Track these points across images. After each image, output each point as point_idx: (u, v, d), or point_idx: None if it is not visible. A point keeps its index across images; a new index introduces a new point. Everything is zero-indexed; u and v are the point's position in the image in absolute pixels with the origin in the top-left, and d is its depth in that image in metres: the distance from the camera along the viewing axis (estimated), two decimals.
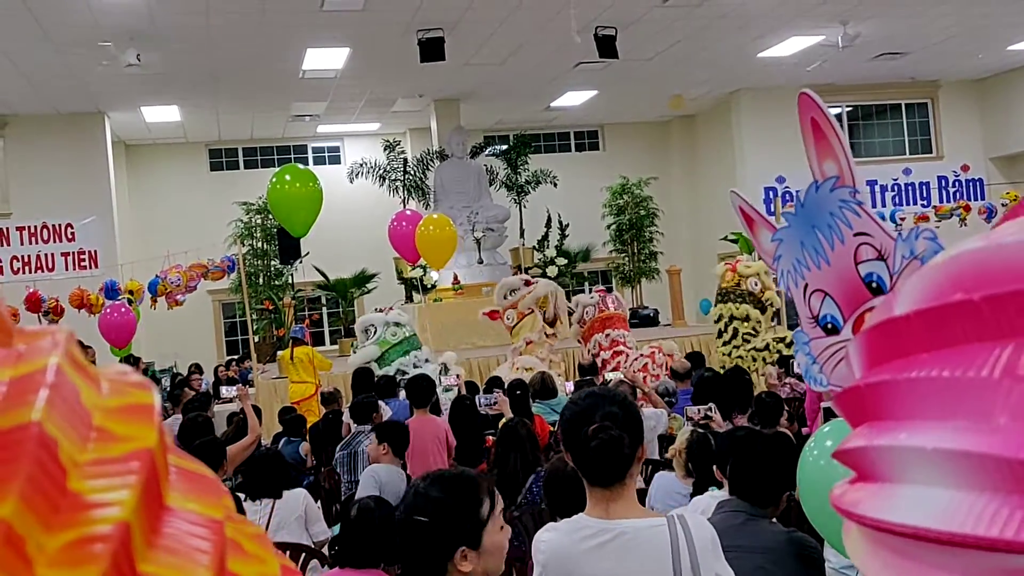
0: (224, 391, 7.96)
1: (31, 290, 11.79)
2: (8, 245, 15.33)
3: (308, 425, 8.42)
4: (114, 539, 0.32)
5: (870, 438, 0.51)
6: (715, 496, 3.46)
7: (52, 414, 0.33)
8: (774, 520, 3.14)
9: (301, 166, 11.00)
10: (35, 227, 15.54)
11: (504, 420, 7.13)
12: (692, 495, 4.56)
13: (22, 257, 15.35)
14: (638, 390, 7.21)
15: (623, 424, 2.24)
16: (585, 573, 2.19)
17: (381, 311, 10.65)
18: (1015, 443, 0.41)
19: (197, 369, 14.50)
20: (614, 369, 9.90)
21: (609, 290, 12.06)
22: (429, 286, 15.46)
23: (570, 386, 8.43)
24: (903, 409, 0.49)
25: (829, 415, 4.72)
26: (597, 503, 2.25)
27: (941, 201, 18.26)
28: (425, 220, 11.11)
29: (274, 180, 9.76)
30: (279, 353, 10.78)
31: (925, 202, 18.55)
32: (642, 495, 5.22)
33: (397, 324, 10.08)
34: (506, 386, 7.67)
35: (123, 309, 10.99)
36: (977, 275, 0.46)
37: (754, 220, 1.85)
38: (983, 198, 18.71)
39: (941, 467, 0.45)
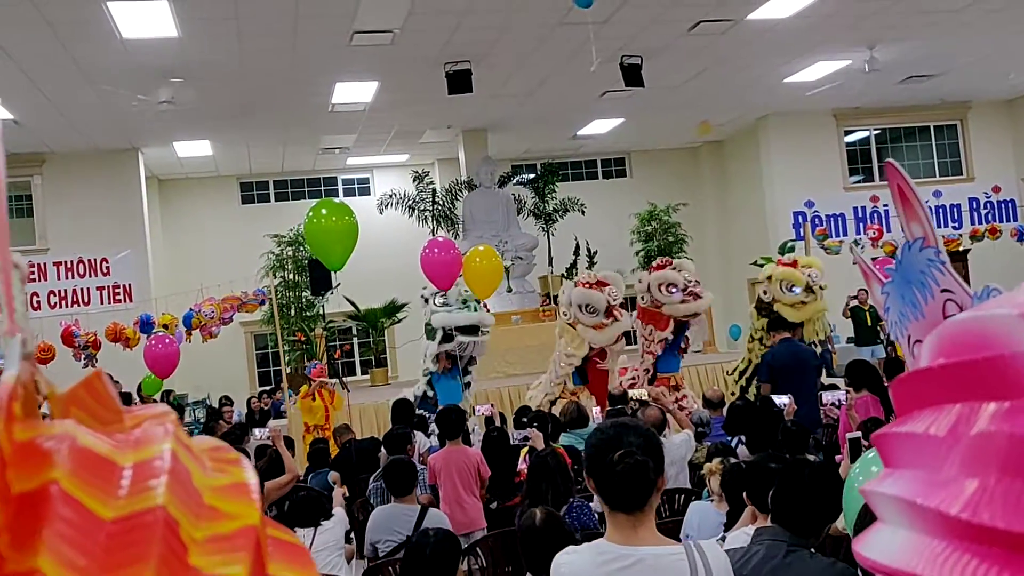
0: (256, 433, 8.03)
1: (65, 325, 11.98)
2: (45, 280, 15.60)
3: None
4: None
5: (873, 483, 0.58)
6: (748, 534, 3.45)
7: (173, 498, 0.38)
8: (813, 551, 3.12)
9: (336, 199, 11.11)
10: (71, 262, 15.81)
11: (525, 449, 7.15)
12: (727, 524, 4.56)
13: (59, 292, 15.62)
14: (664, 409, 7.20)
15: (645, 453, 2.31)
16: None
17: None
18: (940, 496, 0.49)
19: (228, 401, 14.63)
20: (632, 385, 9.86)
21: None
22: None
23: (597, 411, 8.43)
24: (895, 458, 0.57)
25: (854, 446, 4.73)
26: (619, 529, 2.32)
27: (973, 223, 18.11)
28: (472, 252, 11.24)
29: (310, 214, 9.87)
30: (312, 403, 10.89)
31: (957, 224, 18.40)
32: (678, 526, 5.22)
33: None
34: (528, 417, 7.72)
35: (167, 340, 11.14)
36: (952, 344, 0.53)
37: (868, 274, 1.95)
38: (1016, 219, 18.54)
39: (899, 511, 0.53)
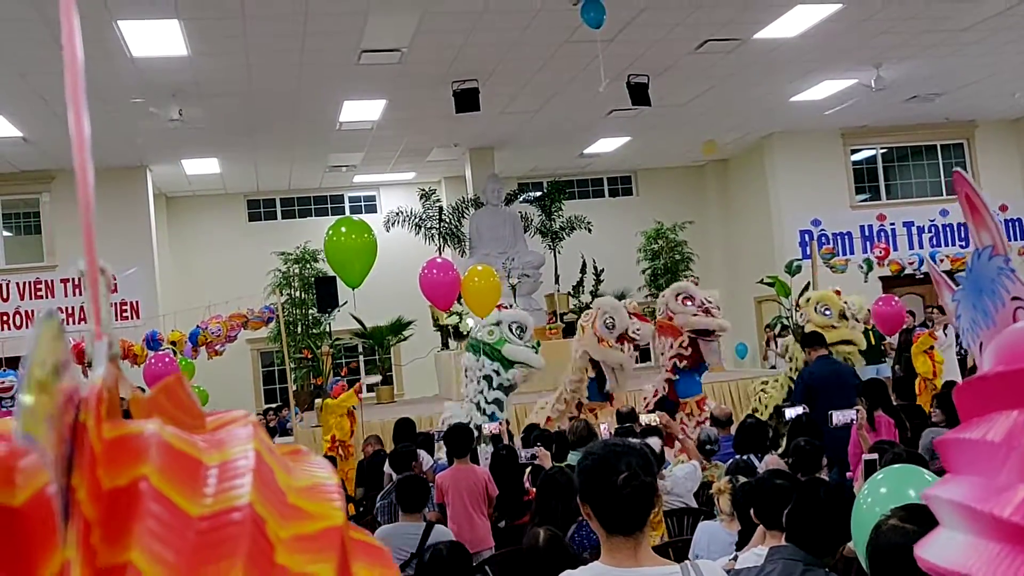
0: None
1: (74, 342, 12.01)
2: (53, 297, 15.62)
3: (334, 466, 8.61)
4: None
5: (934, 488, 0.59)
6: (759, 554, 3.44)
7: (258, 496, 0.38)
8: (828, 571, 3.11)
9: (356, 217, 11.12)
10: (78, 279, 15.81)
11: (528, 469, 7.12)
12: (738, 544, 4.54)
13: (66, 309, 15.62)
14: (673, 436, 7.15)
15: (646, 473, 2.31)
16: None
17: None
18: (994, 500, 0.50)
19: None
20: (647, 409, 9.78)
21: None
22: (465, 333, 15.52)
23: (605, 428, 8.37)
24: (955, 464, 0.59)
25: (869, 467, 4.71)
26: (616, 551, 2.30)
27: None
28: (470, 271, 11.27)
29: (330, 232, 9.90)
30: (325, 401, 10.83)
31: (964, 243, 18.37)
32: (686, 545, 5.19)
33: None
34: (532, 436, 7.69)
35: (167, 359, 11.16)
36: (1011, 351, 0.55)
37: (939, 282, 1.97)
38: (1023, 238, 18.53)
39: (957, 515, 0.55)
